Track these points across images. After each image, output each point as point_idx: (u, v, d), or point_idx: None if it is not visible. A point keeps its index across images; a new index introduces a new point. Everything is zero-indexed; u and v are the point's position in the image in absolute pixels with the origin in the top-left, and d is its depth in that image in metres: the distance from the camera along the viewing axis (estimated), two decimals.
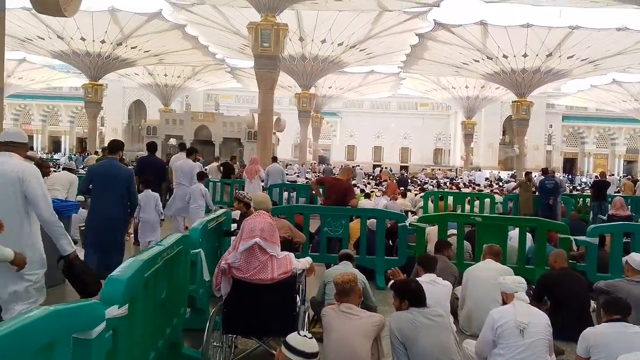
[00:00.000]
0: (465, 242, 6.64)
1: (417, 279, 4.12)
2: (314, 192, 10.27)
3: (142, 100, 49.53)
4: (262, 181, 11.97)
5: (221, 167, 14.40)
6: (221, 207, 9.03)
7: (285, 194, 12.86)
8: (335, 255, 5.78)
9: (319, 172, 26.40)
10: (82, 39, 29.12)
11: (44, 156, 30.17)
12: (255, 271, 3.56)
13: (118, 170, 5.34)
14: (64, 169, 7.31)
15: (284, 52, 20.77)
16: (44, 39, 29.23)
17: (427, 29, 27.62)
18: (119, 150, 5.67)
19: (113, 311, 2.24)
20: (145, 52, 31.71)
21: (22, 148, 3.70)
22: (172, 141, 30.27)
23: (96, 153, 22.12)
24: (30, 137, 50.68)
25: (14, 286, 3.39)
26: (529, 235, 6.86)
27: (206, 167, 13.27)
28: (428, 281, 4.16)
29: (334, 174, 18.68)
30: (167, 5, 27.33)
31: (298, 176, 21.54)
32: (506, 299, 3.85)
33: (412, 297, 3.45)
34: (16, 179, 3.44)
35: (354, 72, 38.43)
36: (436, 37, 28.35)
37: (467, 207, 12.91)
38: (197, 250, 4.18)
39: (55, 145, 51.76)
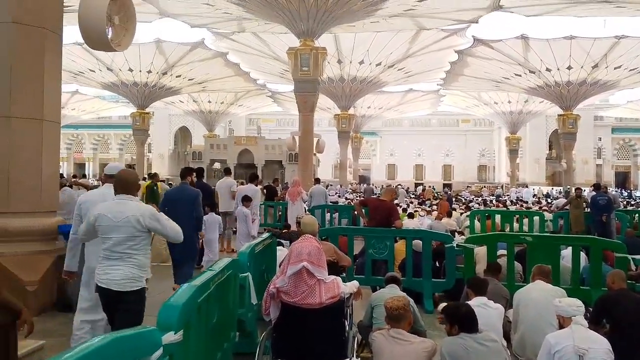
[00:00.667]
0: (516, 263, 6.44)
1: (467, 302, 4.03)
2: (357, 213, 10.25)
3: (188, 126, 51.10)
4: (305, 202, 12.08)
5: (264, 190, 14.59)
6: (265, 230, 9.19)
7: (328, 215, 12.89)
8: (381, 277, 5.71)
9: (360, 192, 26.29)
10: (130, 70, 30.50)
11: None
12: (304, 295, 3.56)
13: (185, 193, 6.28)
14: (105, 175, 7.62)
15: (323, 75, 21.04)
16: (94, 71, 30.78)
17: (466, 45, 27.41)
18: (188, 176, 6.72)
19: (169, 337, 2.29)
20: (189, 80, 32.85)
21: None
22: (217, 165, 30.98)
23: (144, 179, 22.77)
24: (82, 165, 53.00)
25: None
26: (583, 255, 6.59)
27: None
28: (479, 304, 4.05)
29: (375, 194, 18.60)
30: (209, 35, 28.29)
31: (339, 196, 21.54)
32: (563, 322, 3.70)
33: (463, 321, 3.37)
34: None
35: (392, 91, 38.39)
36: (475, 53, 28.08)
37: (516, 225, 12.56)
38: (245, 274, 4.24)
39: None
